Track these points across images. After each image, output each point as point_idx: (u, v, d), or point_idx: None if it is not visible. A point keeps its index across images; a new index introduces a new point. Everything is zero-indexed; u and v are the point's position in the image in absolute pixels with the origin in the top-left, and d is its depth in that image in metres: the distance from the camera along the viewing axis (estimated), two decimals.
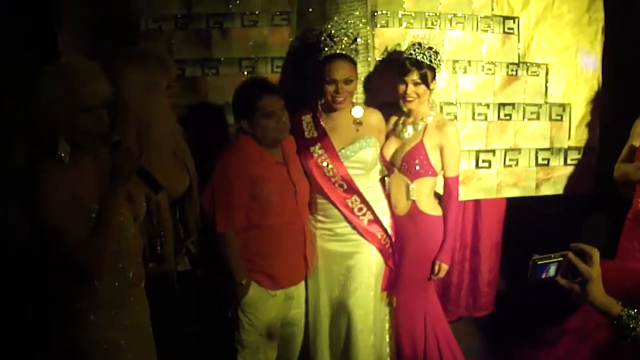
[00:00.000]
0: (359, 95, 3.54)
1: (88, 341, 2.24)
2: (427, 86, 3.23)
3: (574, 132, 3.90)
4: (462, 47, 3.69)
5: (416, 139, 3.29)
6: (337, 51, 3.16)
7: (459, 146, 3.33)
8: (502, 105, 3.78)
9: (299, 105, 3.35)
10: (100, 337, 2.25)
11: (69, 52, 3.21)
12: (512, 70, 3.76)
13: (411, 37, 3.48)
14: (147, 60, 2.69)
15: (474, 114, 3.76)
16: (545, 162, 3.89)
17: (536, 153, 3.89)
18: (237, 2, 3.48)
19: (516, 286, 4.25)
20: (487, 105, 3.76)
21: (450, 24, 3.65)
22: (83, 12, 3.33)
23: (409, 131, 3.34)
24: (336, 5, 3.48)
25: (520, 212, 4.13)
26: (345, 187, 3.23)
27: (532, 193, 3.92)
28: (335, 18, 3.33)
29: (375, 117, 3.36)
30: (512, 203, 4.07)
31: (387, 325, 3.51)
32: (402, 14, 3.59)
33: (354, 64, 3.21)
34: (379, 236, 3.30)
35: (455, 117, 3.71)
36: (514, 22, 3.71)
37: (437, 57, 3.25)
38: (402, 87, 3.25)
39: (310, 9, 3.52)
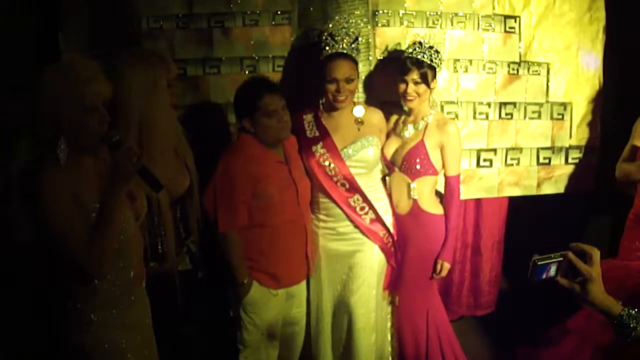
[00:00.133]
0: (360, 94, 3.54)
1: (89, 341, 2.24)
2: (428, 85, 3.23)
3: (575, 131, 3.90)
4: (463, 46, 3.69)
5: (417, 138, 3.29)
6: (339, 50, 3.16)
7: (460, 145, 3.33)
8: (503, 104, 3.78)
9: (301, 104, 3.35)
10: (102, 337, 2.25)
11: (70, 52, 3.21)
12: (513, 69, 3.75)
13: (412, 37, 3.48)
14: (148, 59, 2.69)
15: (475, 113, 3.76)
16: (547, 161, 3.89)
17: (537, 152, 3.88)
18: (238, 1, 3.49)
19: (518, 285, 4.26)
20: (489, 104, 3.75)
21: (452, 23, 3.65)
22: (85, 11, 3.33)
23: (409, 130, 3.34)
24: (337, 5, 3.48)
25: (523, 211, 4.13)
26: (347, 186, 3.23)
27: (533, 192, 3.92)
28: (337, 17, 3.32)
29: (376, 116, 3.37)
30: (515, 202, 4.07)
31: (389, 324, 3.51)
32: (403, 13, 3.59)
33: (355, 63, 3.21)
34: (381, 235, 3.30)
35: (457, 116, 3.71)
36: (515, 21, 3.70)
37: (437, 56, 3.24)
38: (402, 86, 3.25)
39: (311, 8, 3.52)
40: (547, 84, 3.81)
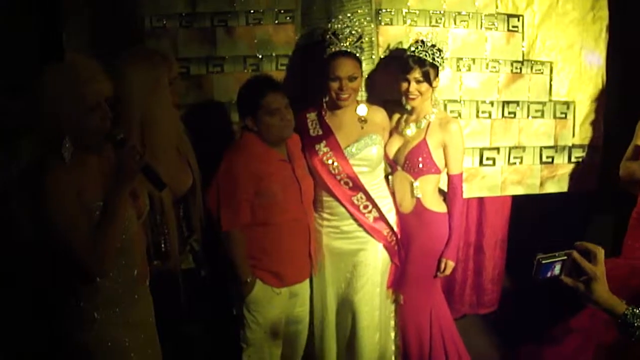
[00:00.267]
0: (362, 92, 3.53)
1: (92, 339, 2.24)
2: (430, 84, 3.23)
3: (578, 130, 3.88)
4: (466, 45, 3.68)
5: (419, 137, 3.29)
6: (342, 49, 3.16)
7: (463, 144, 3.34)
8: (506, 103, 3.77)
9: (304, 103, 3.35)
10: (104, 335, 2.25)
11: (71, 51, 3.21)
12: (516, 68, 3.75)
13: (415, 35, 3.48)
14: (150, 58, 2.70)
15: (478, 111, 3.75)
16: (550, 160, 3.88)
17: (540, 151, 3.87)
18: (242, 0, 3.48)
19: (521, 284, 4.26)
20: (491, 103, 3.75)
21: (455, 22, 3.64)
22: (86, 11, 3.34)
23: (412, 129, 3.34)
24: (340, 3, 3.48)
25: (526, 210, 4.13)
26: (350, 184, 3.23)
27: (536, 191, 3.91)
28: (340, 16, 3.32)
29: (379, 115, 3.37)
30: (518, 201, 4.07)
31: (392, 323, 3.51)
32: (406, 12, 3.59)
33: (359, 61, 3.21)
34: (385, 233, 3.30)
35: (460, 115, 3.71)
36: (518, 20, 3.69)
37: (439, 54, 3.24)
38: (404, 85, 3.25)
39: (314, 7, 3.52)
40: (550, 83, 3.80)
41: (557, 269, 1.69)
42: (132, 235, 2.30)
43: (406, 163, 3.31)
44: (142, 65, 2.65)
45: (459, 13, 3.63)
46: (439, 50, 3.24)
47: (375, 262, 3.31)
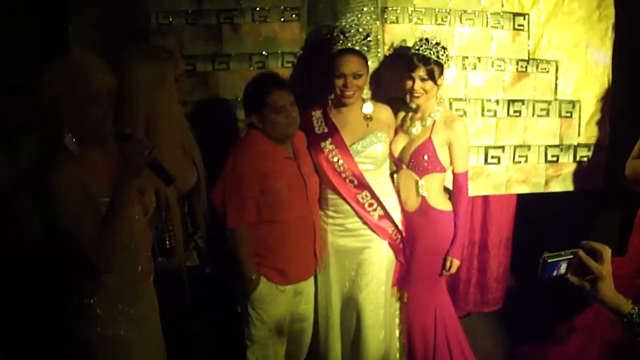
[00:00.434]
0: (367, 90, 3.53)
1: (94, 335, 2.25)
2: (435, 82, 3.22)
3: (584, 129, 3.88)
4: (472, 43, 3.68)
5: (424, 136, 3.29)
6: (349, 46, 3.16)
7: (468, 142, 3.34)
8: (511, 102, 3.77)
9: (310, 100, 3.36)
10: (109, 332, 2.26)
11: (77, 48, 3.22)
12: (521, 66, 3.74)
13: (420, 33, 3.48)
14: (156, 54, 2.70)
15: (483, 110, 3.75)
16: (555, 159, 3.88)
17: (545, 150, 3.87)
18: None
19: (526, 282, 4.26)
20: (497, 102, 3.75)
21: (460, 21, 3.64)
22: (94, 8, 3.34)
23: (417, 127, 3.34)
24: (346, 1, 3.48)
25: (532, 209, 4.13)
26: (355, 182, 3.23)
27: (541, 190, 3.91)
28: (348, 14, 3.33)
29: (385, 112, 3.37)
30: (524, 200, 4.07)
31: (397, 321, 3.51)
32: (412, 10, 3.59)
33: (365, 59, 3.21)
34: (390, 231, 3.30)
35: (465, 113, 3.71)
36: (524, 18, 3.69)
37: (444, 52, 3.23)
38: (409, 83, 3.25)
39: (320, 5, 3.52)
40: (556, 82, 3.80)
41: (563, 268, 1.69)
42: (137, 232, 2.31)
43: (411, 161, 3.31)
44: (148, 61, 2.65)
45: (465, 11, 3.63)
46: (444, 48, 3.24)
47: (380, 260, 3.31)
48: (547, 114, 3.82)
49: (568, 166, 3.90)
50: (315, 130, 3.29)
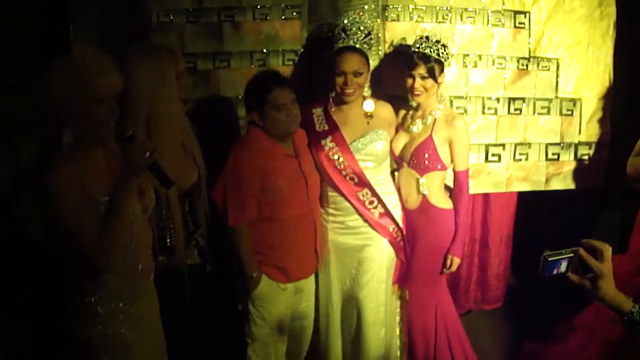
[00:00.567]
0: (367, 88, 3.53)
1: (95, 334, 2.25)
2: (435, 80, 3.22)
3: (585, 127, 3.88)
4: (473, 41, 3.68)
5: (425, 134, 3.29)
6: (350, 44, 3.16)
7: (469, 140, 3.34)
8: (512, 100, 3.77)
9: (311, 98, 3.35)
10: (109, 330, 2.26)
11: (81, 46, 3.22)
12: (522, 64, 3.74)
13: (421, 31, 3.47)
14: (157, 53, 2.69)
15: (484, 108, 3.75)
16: (555, 156, 3.87)
17: (546, 148, 3.87)
18: None
19: (526, 280, 4.26)
20: (498, 100, 3.74)
21: (461, 18, 3.64)
22: (94, 7, 3.34)
23: (418, 125, 3.34)
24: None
25: (533, 207, 4.13)
26: (356, 180, 3.23)
27: (541, 187, 3.90)
28: (349, 12, 3.33)
29: (386, 110, 3.37)
30: (525, 198, 4.07)
31: (397, 319, 3.51)
32: (413, 8, 3.59)
33: (365, 57, 3.21)
34: (391, 229, 3.30)
35: (466, 111, 3.71)
36: (525, 16, 3.69)
37: (444, 50, 3.23)
38: (409, 81, 3.24)
39: (321, 3, 3.52)
40: (557, 80, 3.80)
41: (563, 266, 1.69)
42: (137, 230, 2.31)
43: (412, 159, 3.31)
44: (149, 60, 2.64)
45: (466, 9, 3.63)
46: (444, 46, 3.24)
47: (380, 258, 3.31)
48: (548, 112, 3.82)
49: (569, 164, 3.90)
50: (316, 127, 3.29)
